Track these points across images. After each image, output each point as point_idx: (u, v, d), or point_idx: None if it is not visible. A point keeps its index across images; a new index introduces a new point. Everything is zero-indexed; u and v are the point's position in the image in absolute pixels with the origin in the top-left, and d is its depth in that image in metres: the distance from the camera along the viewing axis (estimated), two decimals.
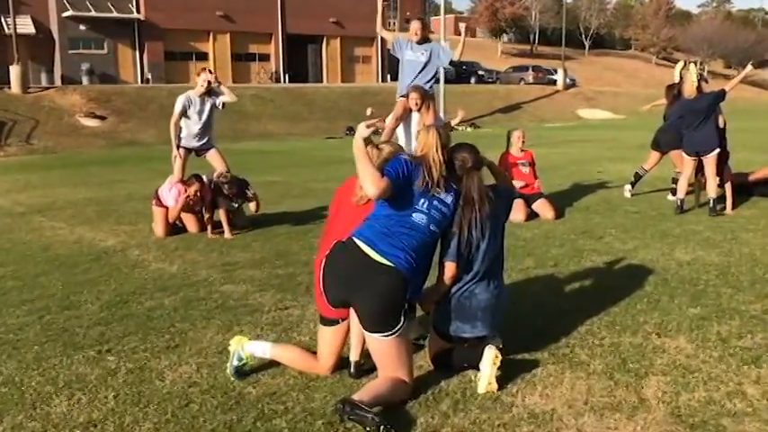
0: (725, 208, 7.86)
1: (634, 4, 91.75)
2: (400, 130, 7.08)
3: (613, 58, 73.96)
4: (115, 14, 35.80)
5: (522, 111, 41.24)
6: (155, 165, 15.78)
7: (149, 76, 36.83)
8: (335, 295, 3.20)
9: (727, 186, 7.91)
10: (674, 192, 8.58)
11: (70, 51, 34.76)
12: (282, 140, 26.93)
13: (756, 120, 25.93)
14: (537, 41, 70.82)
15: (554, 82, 46.58)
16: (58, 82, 33.01)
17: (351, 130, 30.75)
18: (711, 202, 7.63)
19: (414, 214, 3.20)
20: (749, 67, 7.64)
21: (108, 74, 35.19)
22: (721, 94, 7.56)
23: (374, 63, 46.08)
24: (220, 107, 7.70)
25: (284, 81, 40.94)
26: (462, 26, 7.00)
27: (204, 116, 7.57)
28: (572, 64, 64.84)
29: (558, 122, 35.25)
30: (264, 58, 41.70)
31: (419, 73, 6.96)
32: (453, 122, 7.34)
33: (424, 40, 7.00)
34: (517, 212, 7.62)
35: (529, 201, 7.83)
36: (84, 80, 33.27)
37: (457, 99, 39.74)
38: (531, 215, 7.79)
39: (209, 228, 7.22)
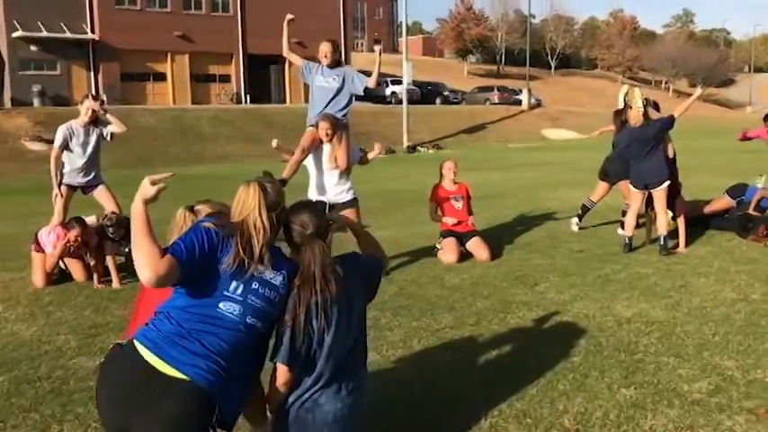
0: (677, 245, 7.16)
1: (600, 24, 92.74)
2: (311, 165, 6.25)
3: (579, 77, 74.41)
4: (68, 35, 34.66)
5: (487, 131, 40.83)
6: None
7: (104, 98, 35.60)
8: (111, 420, 2.32)
9: (680, 221, 7.21)
10: (623, 225, 7.87)
11: (20, 73, 33.53)
12: (239, 163, 25.97)
13: (719, 139, 25.62)
14: (503, 62, 70.92)
15: (519, 102, 46.36)
16: (7, 104, 31.75)
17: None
18: (662, 239, 6.91)
19: (221, 304, 2.35)
20: (698, 91, 6.98)
21: (61, 95, 33.92)
22: (670, 121, 6.88)
23: None
24: (108, 138, 6.80)
25: (245, 102, 40.09)
26: (377, 48, 6.25)
27: (89, 149, 6.67)
28: (538, 84, 64.98)
29: (523, 143, 34.81)
30: (225, 78, 40.81)
31: (331, 100, 6.16)
32: (371, 156, 6.55)
33: (336, 64, 6.21)
34: (449, 253, 6.85)
35: (462, 240, 7.05)
36: (36, 102, 32.06)
37: (421, 120, 39.32)
38: (466, 255, 7.01)
39: (95, 276, 6.31)
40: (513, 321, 4.93)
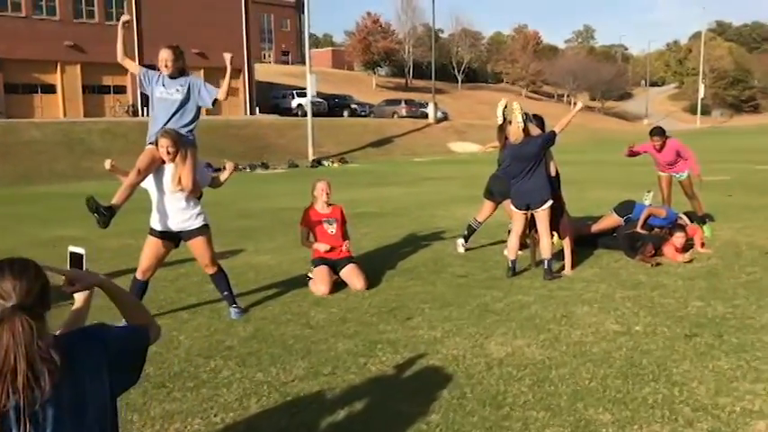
0: (564, 268, 6.78)
1: (506, 39, 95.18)
2: (152, 188, 5.45)
3: (485, 91, 75.85)
4: None
5: (394, 145, 40.66)
6: None
7: None
8: None
9: (565, 243, 6.84)
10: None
11: None
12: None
13: (615, 152, 26.19)
14: (412, 75, 71.39)
15: (426, 115, 46.53)
16: None
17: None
18: (545, 263, 6.50)
19: None
20: (579, 106, 6.61)
21: None
22: (551, 137, 6.49)
23: (242, 95, 44.28)
24: None
25: (143, 115, 38.27)
26: (227, 57, 5.53)
27: None
28: (445, 98, 65.74)
29: (429, 156, 34.74)
30: (120, 90, 38.91)
31: (174, 114, 5.40)
32: (222, 178, 5.81)
33: (179, 73, 5.45)
34: (319, 284, 6.20)
35: (335, 267, 6.41)
36: None
37: (327, 133, 38.72)
38: (341, 284, 6.37)
39: None
40: (374, 368, 4.30)
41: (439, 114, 46.83)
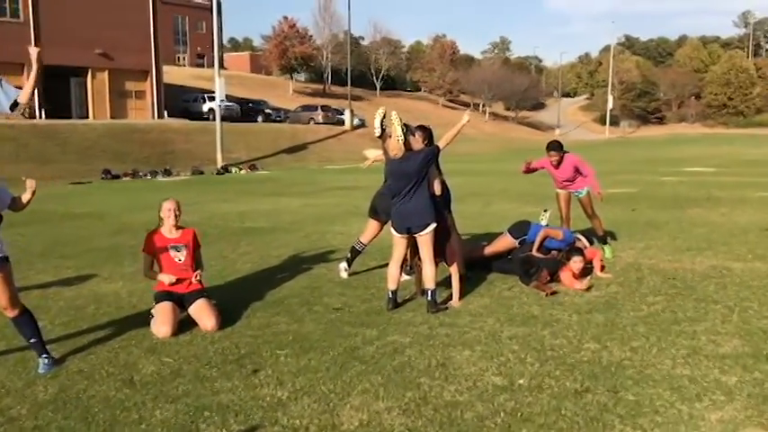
0: (450, 298, 6.02)
1: (425, 48, 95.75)
2: None
3: (404, 99, 75.86)
4: None
5: (309, 151, 39.69)
6: None
7: None
8: None
9: (453, 270, 6.07)
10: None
11: None
12: (16, 187, 22.54)
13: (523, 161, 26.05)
14: (330, 81, 70.52)
15: (342, 122, 45.77)
16: None
17: (108, 173, 26.97)
18: (429, 294, 5.71)
19: None
20: (465, 118, 5.82)
21: None
22: (433, 153, 5.71)
23: (149, 98, 42.24)
24: None
25: (40, 117, 35.82)
26: (33, 52, 4.48)
27: None
28: (363, 104, 65.18)
29: (344, 164, 33.87)
30: None
31: None
32: (24, 199, 4.73)
33: None
34: (161, 325, 5.19)
35: (183, 303, 5.42)
36: None
37: (239, 138, 37.35)
38: (189, 323, 5.38)
39: None
40: None
41: (356, 121, 46.18)
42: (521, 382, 4.12)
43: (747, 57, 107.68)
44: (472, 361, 4.51)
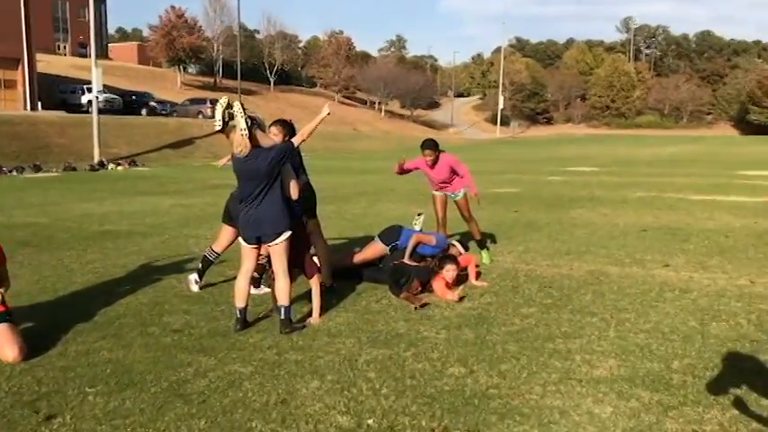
0: (309, 315, 5.35)
1: (322, 43, 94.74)
2: None
3: (298, 94, 74.69)
4: None
5: (196, 147, 38.04)
6: None
7: None
8: None
9: (313, 282, 5.40)
10: (254, 282, 5.95)
11: None
12: None
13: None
14: (222, 74, 68.33)
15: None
16: None
17: None
18: (282, 312, 5.01)
19: None
20: (325, 111, 5.18)
21: None
22: (288, 149, 5.02)
23: (20, 88, 39.18)
24: None
25: None
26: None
27: None
28: (257, 99, 63.62)
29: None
30: None
31: None
32: None
33: None
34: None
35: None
36: None
37: (120, 132, 35.25)
38: None
39: None
40: None
41: None
42: (369, 422, 3.50)
43: (629, 60, 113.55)
44: (319, 395, 3.85)
